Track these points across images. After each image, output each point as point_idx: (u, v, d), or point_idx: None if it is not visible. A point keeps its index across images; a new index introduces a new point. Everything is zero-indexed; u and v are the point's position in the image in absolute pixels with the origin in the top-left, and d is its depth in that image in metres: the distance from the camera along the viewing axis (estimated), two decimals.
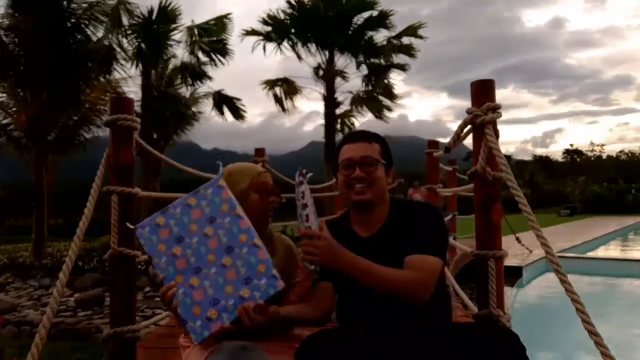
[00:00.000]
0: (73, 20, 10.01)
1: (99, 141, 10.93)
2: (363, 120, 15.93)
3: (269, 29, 14.96)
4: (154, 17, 11.43)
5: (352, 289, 1.53)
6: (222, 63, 12.69)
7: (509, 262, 7.38)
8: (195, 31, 12.21)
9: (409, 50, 14.96)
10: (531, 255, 8.22)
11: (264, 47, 15.23)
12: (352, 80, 15.69)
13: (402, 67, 15.31)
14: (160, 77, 12.56)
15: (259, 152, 5.23)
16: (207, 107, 14.20)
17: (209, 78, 12.91)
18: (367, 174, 1.64)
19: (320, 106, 15.21)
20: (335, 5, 14.28)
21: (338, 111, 15.30)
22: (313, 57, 15.14)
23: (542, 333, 4.99)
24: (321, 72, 14.82)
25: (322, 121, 15.20)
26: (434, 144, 5.38)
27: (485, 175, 1.85)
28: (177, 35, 12.14)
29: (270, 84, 15.28)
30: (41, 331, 1.52)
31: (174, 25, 11.85)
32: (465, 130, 1.93)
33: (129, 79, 11.47)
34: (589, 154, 47.87)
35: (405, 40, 15.00)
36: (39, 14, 9.28)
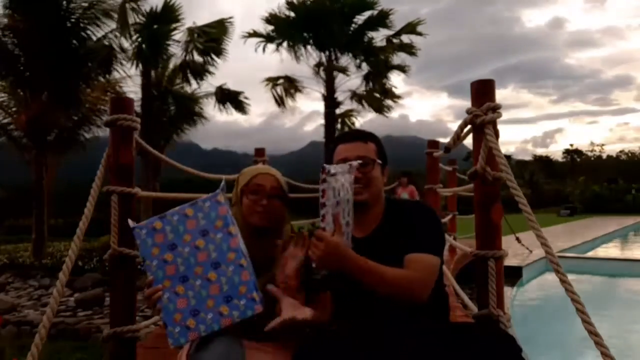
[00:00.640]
0: (73, 20, 10.01)
1: (98, 141, 10.92)
2: (364, 120, 15.97)
3: (270, 29, 14.97)
4: (158, 15, 11.44)
5: (350, 289, 1.53)
6: (217, 62, 12.67)
7: (509, 262, 7.38)
8: (195, 33, 12.20)
9: (409, 49, 14.96)
10: (531, 255, 8.22)
11: (264, 49, 15.25)
12: (352, 80, 15.70)
13: (402, 68, 15.31)
14: (160, 76, 12.54)
15: (259, 152, 5.24)
16: (207, 106, 14.21)
17: (211, 73, 12.84)
18: (364, 174, 1.63)
19: (320, 106, 15.20)
20: (335, 5, 14.29)
21: (338, 111, 15.30)
22: (313, 57, 15.16)
23: (542, 333, 4.99)
24: (323, 69, 14.81)
25: (322, 121, 15.21)
26: (434, 144, 5.38)
27: (485, 175, 1.85)
28: (177, 35, 12.16)
29: (272, 81, 15.28)
30: (41, 331, 1.52)
31: (174, 25, 11.84)
32: (465, 130, 1.94)
33: (129, 79, 11.47)
34: (589, 154, 47.89)
35: (405, 38, 15.01)
36: (38, 13, 9.28)
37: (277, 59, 15.28)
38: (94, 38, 10.35)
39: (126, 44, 10.84)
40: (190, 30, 12.13)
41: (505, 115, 1.99)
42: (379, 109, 15.35)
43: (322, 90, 15.02)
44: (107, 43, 10.57)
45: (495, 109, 1.83)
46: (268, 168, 1.79)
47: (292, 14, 14.60)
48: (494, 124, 1.83)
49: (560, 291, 1.47)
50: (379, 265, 1.49)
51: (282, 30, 14.81)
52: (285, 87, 15.23)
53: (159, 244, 1.47)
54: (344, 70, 14.73)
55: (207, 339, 1.46)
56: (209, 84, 13.58)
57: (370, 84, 15.29)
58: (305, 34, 14.73)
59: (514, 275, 7.22)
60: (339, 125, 15.46)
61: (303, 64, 15.23)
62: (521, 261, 7.82)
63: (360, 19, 14.76)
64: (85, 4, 9.97)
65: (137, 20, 11.27)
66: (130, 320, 2.03)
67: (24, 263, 8.93)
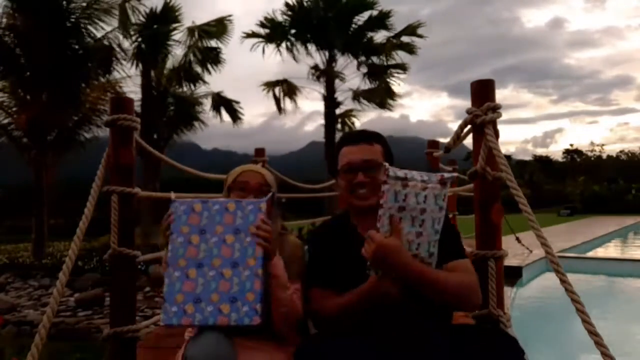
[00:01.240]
0: (73, 19, 10.01)
1: (98, 141, 10.92)
2: (364, 120, 15.94)
3: (268, 30, 14.97)
4: (157, 15, 11.45)
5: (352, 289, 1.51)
6: (215, 71, 12.69)
7: (509, 262, 7.38)
8: (196, 32, 12.20)
9: (409, 48, 14.96)
10: (531, 255, 8.22)
11: (263, 49, 15.25)
12: (353, 80, 15.71)
13: (402, 67, 15.31)
14: (158, 76, 12.55)
15: (259, 152, 5.24)
16: (207, 107, 14.22)
17: (204, 82, 12.97)
18: (370, 178, 1.57)
19: (321, 106, 15.19)
20: (335, 6, 14.29)
21: (338, 111, 15.31)
22: (313, 57, 15.17)
23: (542, 333, 4.99)
24: (318, 73, 14.82)
25: (322, 121, 15.21)
26: (434, 144, 5.37)
27: (485, 175, 1.85)
28: (177, 35, 12.17)
29: (270, 85, 15.27)
30: (41, 331, 1.52)
31: (174, 25, 11.85)
32: (465, 130, 1.94)
33: (129, 79, 11.47)
34: (589, 154, 47.87)
35: (405, 39, 15.01)
36: (39, 13, 9.28)
37: (277, 60, 15.30)
38: (94, 38, 10.36)
39: (126, 44, 10.86)
40: (190, 30, 12.14)
41: (505, 115, 1.99)
42: (381, 103, 15.32)
43: (322, 90, 15.04)
44: (107, 43, 10.57)
45: (495, 109, 1.83)
46: (254, 166, 1.80)
47: (290, 15, 14.60)
48: (494, 124, 1.83)
49: (560, 291, 1.47)
50: (439, 272, 1.46)
51: (280, 32, 14.82)
52: (285, 91, 15.23)
53: (191, 224, 1.50)
54: (338, 75, 14.74)
55: (198, 334, 1.46)
56: (208, 88, 13.62)
57: (371, 83, 15.29)
58: (304, 35, 14.73)
59: (514, 275, 7.22)
60: (339, 125, 15.47)
61: (303, 63, 15.25)
62: (521, 261, 7.82)
63: (360, 19, 14.78)
64: (84, 4, 9.98)
65: (137, 20, 11.28)
66: (130, 320, 2.02)
67: (24, 263, 8.94)
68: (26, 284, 7.61)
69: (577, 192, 29.65)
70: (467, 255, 1.69)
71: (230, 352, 1.45)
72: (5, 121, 10.12)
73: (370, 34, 14.96)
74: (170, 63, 12.58)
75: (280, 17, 14.77)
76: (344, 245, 1.58)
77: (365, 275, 1.48)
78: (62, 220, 17.98)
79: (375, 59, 15.12)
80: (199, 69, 12.50)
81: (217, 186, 1.72)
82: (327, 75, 14.80)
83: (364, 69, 15.25)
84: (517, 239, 7.66)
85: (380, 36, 15.04)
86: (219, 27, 12.48)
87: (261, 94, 15.58)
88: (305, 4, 14.53)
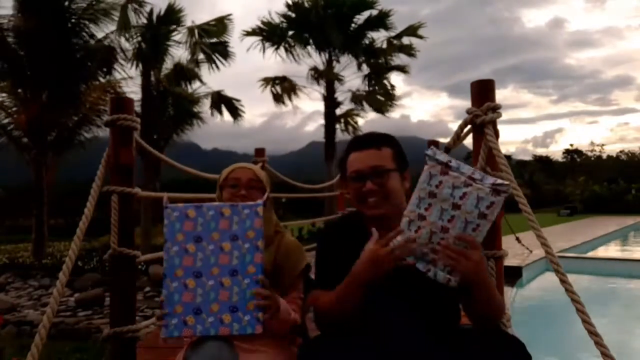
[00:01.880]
0: (74, 20, 10.02)
1: (98, 141, 10.92)
2: (368, 118, 15.88)
3: (267, 31, 14.97)
4: (160, 17, 11.47)
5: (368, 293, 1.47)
6: (224, 65, 12.70)
7: (509, 262, 7.37)
8: (196, 32, 12.20)
9: (409, 50, 14.97)
10: (531, 255, 8.21)
11: (264, 49, 15.25)
12: (353, 80, 15.71)
13: (402, 69, 15.32)
14: (157, 76, 12.55)
15: (259, 152, 5.24)
16: (207, 107, 14.22)
17: (202, 82, 12.99)
18: (380, 185, 1.50)
19: (321, 106, 15.19)
20: (334, 6, 14.28)
21: (340, 111, 15.31)
22: (312, 58, 15.17)
23: (542, 333, 4.99)
24: (317, 75, 14.82)
25: (323, 121, 15.20)
26: (433, 144, 5.38)
27: None
28: (178, 35, 12.16)
29: (268, 81, 15.27)
30: (41, 331, 1.52)
31: (175, 26, 11.85)
32: (465, 130, 1.94)
33: (129, 79, 11.47)
34: (589, 154, 47.85)
35: (405, 40, 15.01)
36: (42, 14, 9.30)
37: (278, 59, 15.30)
38: (95, 38, 10.37)
39: (126, 44, 10.85)
40: (191, 30, 12.14)
41: (505, 115, 1.99)
42: (380, 109, 15.34)
43: (322, 90, 15.04)
44: (107, 43, 10.57)
45: (495, 109, 1.83)
46: (245, 163, 1.80)
47: (289, 15, 14.60)
48: (494, 124, 1.83)
49: (560, 291, 1.48)
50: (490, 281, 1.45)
51: (279, 33, 14.82)
52: (284, 87, 15.24)
53: (186, 231, 1.46)
54: (337, 77, 14.73)
55: (199, 340, 1.46)
56: (208, 88, 13.64)
57: (370, 84, 15.29)
58: (303, 36, 14.73)
59: (514, 275, 7.22)
60: (342, 125, 15.45)
61: (303, 64, 15.26)
62: (521, 261, 7.82)
63: (360, 19, 14.77)
64: (85, 4, 9.98)
65: (139, 21, 11.30)
66: (130, 320, 2.03)
67: (24, 263, 8.94)
68: (26, 284, 7.61)
69: (577, 192, 29.64)
70: None
71: (231, 355, 1.45)
72: (6, 121, 10.12)
73: (370, 34, 14.97)
74: (170, 63, 12.59)
75: (277, 19, 14.79)
76: (354, 247, 1.51)
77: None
78: (62, 220, 17.99)
79: (375, 60, 15.12)
80: (205, 66, 12.52)
81: (216, 186, 1.72)
82: (326, 77, 14.80)
83: (364, 70, 15.26)
84: (517, 239, 7.65)
85: (380, 36, 15.05)
86: (219, 26, 12.47)
87: (261, 94, 15.59)
88: (305, 4, 14.53)
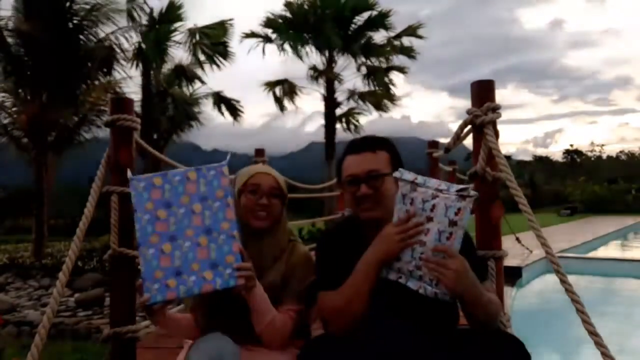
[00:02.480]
0: (75, 21, 10.03)
1: (98, 141, 10.92)
2: (370, 118, 15.92)
3: (268, 31, 14.97)
4: (162, 14, 11.50)
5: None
6: (224, 65, 12.71)
7: (509, 262, 7.36)
8: (197, 34, 12.21)
9: (408, 52, 14.97)
10: (531, 256, 8.20)
11: (264, 49, 15.25)
12: (353, 80, 15.69)
13: (401, 70, 15.32)
14: (157, 77, 12.56)
15: (259, 152, 5.24)
16: (206, 107, 14.26)
17: (202, 82, 12.99)
18: (375, 189, 1.51)
19: (321, 106, 15.19)
20: (334, 6, 14.28)
21: (341, 110, 15.30)
22: (312, 58, 15.16)
23: (542, 333, 4.99)
24: (317, 74, 14.82)
25: (323, 121, 15.19)
26: (434, 145, 5.39)
27: (485, 175, 1.85)
28: (178, 36, 12.18)
29: (271, 85, 15.28)
30: (41, 331, 1.52)
31: (176, 25, 11.86)
32: (465, 130, 1.94)
33: (129, 80, 11.48)
34: (589, 154, 47.84)
35: (405, 40, 15.01)
36: (42, 15, 9.30)
37: (278, 61, 15.28)
38: (95, 39, 10.37)
39: (126, 44, 10.86)
40: (192, 31, 12.14)
41: (505, 115, 1.99)
42: (379, 106, 15.33)
43: (322, 90, 15.04)
44: (107, 44, 10.58)
45: (495, 109, 1.83)
46: (266, 167, 1.76)
47: (289, 15, 14.59)
48: (494, 124, 1.83)
49: (560, 291, 1.48)
50: (482, 287, 1.43)
51: (280, 33, 14.82)
52: (285, 90, 15.23)
53: (155, 199, 1.46)
54: (337, 77, 14.72)
55: (201, 339, 1.46)
56: (209, 88, 13.66)
57: (370, 85, 15.29)
58: (303, 35, 14.72)
59: (513, 276, 7.21)
60: (344, 124, 15.43)
61: (303, 64, 15.24)
62: (521, 261, 7.81)
63: (360, 19, 14.77)
64: (88, 6, 10.00)
65: (139, 21, 11.32)
66: (130, 320, 2.03)
67: (24, 263, 8.93)
68: (26, 284, 7.61)
69: (577, 192, 29.61)
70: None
71: (233, 352, 1.44)
72: (6, 121, 10.13)
73: (369, 34, 14.96)
74: (171, 64, 12.61)
75: (278, 19, 14.76)
76: (354, 249, 1.52)
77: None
78: (62, 220, 17.98)
79: (374, 60, 15.12)
80: (206, 66, 12.53)
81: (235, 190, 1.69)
82: (326, 76, 14.79)
83: (364, 70, 15.25)
84: (517, 239, 7.66)
85: (380, 36, 15.05)
86: (219, 29, 12.49)
87: (261, 94, 15.60)
88: (305, 4, 14.53)
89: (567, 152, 50.26)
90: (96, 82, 10.55)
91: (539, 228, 1.57)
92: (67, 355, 4.34)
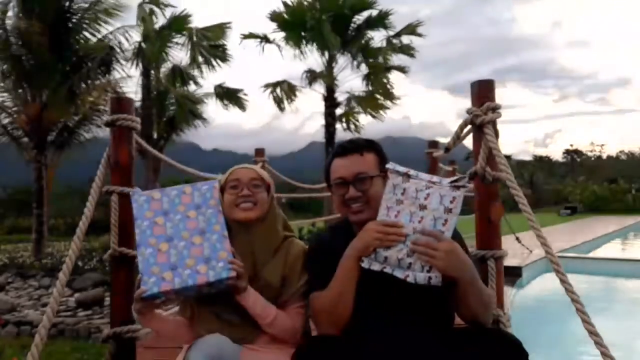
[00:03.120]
0: (74, 20, 10.03)
1: (98, 141, 10.93)
2: (364, 121, 15.89)
3: (268, 30, 14.98)
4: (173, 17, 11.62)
5: (358, 296, 1.48)
6: (221, 67, 12.72)
7: (509, 262, 7.36)
8: (194, 35, 12.21)
9: (408, 51, 14.95)
10: (531, 255, 8.21)
11: (263, 49, 15.23)
12: (353, 80, 15.69)
13: (401, 69, 15.31)
14: (157, 77, 12.57)
15: (259, 152, 5.25)
16: (207, 107, 14.24)
17: (196, 83, 13.02)
18: (363, 192, 1.53)
19: (321, 106, 15.17)
20: (333, 6, 14.26)
21: (341, 110, 15.28)
22: (312, 58, 15.16)
23: (542, 333, 4.99)
24: (313, 76, 14.82)
25: (323, 121, 15.18)
26: (433, 144, 5.39)
27: (485, 175, 1.85)
28: (178, 37, 12.18)
29: (271, 87, 15.26)
30: (41, 331, 1.52)
31: (176, 26, 11.89)
32: (466, 130, 1.94)
33: (129, 79, 11.48)
34: (589, 154, 47.87)
35: (405, 39, 14.99)
36: (43, 15, 9.30)
37: (278, 61, 15.25)
38: (95, 38, 10.38)
39: (126, 43, 10.87)
40: (190, 32, 12.14)
41: (505, 115, 1.99)
42: (377, 111, 15.32)
43: (322, 90, 15.03)
44: (107, 42, 10.58)
45: (495, 109, 1.83)
46: (246, 164, 1.77)
47: (288, 16, 14.58)
48: (494, 124, 1.83)
49: (560, 291, 1.48)
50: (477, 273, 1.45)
51: (281, 30, 14.81)
52: (285, 91, 15.21)
53: (154, 209, 1.58)
54: (335, 78, 14.72)
55: (201, 339, 1.46)
56: (209, 86, 13.67)
57: (370, 85, 15.27)
58: (302, 36, 14.71)
59: (514, 275, 7.21)
60: (344, 124, 15.41)
61: (303, 64, 15.24)
62: (521, 261, 7.81)
63: (359, 19, 14.76)
64: (86, 5, 10.00)
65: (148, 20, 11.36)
66: (130, 320, 2.02)
67: (24, 263, 8.93)
68: (26, 284, 7.61)
69: (577, 192, 29.62)
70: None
71: (233, 350, 1.44)
72: (6, 121, 10.13)
73: (369, 34, 14.95)
74: (170, 63, 12.61)
75: (275, 22, 14.74)
76: (344, 252, 1.53)
77: (364, 283, 1.46)
78: (62, 220, 18.00)
79: (374, 61, 15.10)
80: (204, 67, 12.54)
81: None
82: (324, 79, 14.78)
83: (363, 70, 15.24)
84: (517, 239, 7.66)
85: (379, 35, 15.03)
86: (217, 31, 12.50)
87: (261, 95, 15.57)
88: (303, 4, 14.52)
89: (567, 152, 50.29)
90: (96, 82, 10.55)
91: (539, 228, 1.57)
92: (67, 355, 4.34)
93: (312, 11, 14.22)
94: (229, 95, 13.70)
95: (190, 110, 12.73)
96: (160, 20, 11.90)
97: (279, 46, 15.01)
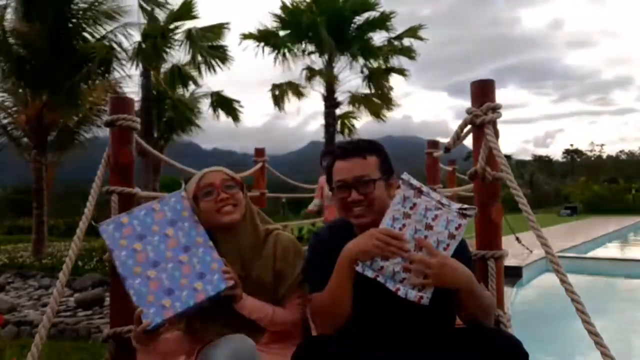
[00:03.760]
0: (74, 20, 10.03)
1: (98, 141, 10.92)
2: (364, 121, 15.87)
3: (267, 32, 14.95)
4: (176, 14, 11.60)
5: (358, 297, 1.48)
6: (221, 69, 12.71)
7: (509, 262, 7.36)
8: (193, 33, 12.20)
9: (409, 53, 14.94)
10: (531, 255, 8.20)
11: (263, 49, 15.21)
12: (353, 81, 15.67)
13: (401, 72, 15.31)
14: (157, 77, 12.55)
15: (259, 152, 5.24)
16: (206, 106, 14.23)
17: (196, 84, 13.01)
18: (365, 195, 1.51)
19: (322, 106, 15.16)
20: (331, 8, 14.25)
21: (339, 111, 15.28)
22: (312, 59, 15.14)
23: (542, 333, 4.99)
24: (312, 76, 14.82)
25: (323, 121, 15.19)
26: (433, 144, 5.38)
27: (485, 175, 1.84)
28: (177, 36, 12.17)
29: (275, 88, 15.27)
30: (41, 331, 1.52)
31: (176, 24, 11.85)
32: (465, 130, 1.93)
33: (129, 79, 11.47)
34: (589, 154, 47.91)
35: (406, 41, 14.98)
36: (43, 15, 9.30)
37: (278, 61, 15.21)
38: (94, 38, 10.37)
39: (126, 43, 10.87)
40: (189, 32, 12.13)
41: (505, 115, 1.98)
42: (377, 113, 15.33)
43: (323, 90, 15.03)
44: (107, 43, 10.58)
45: (495, 109, 1.83)
46: (213, 167, 1.72)
47: (288, 16, 14.57)
48: (494, 124, 1.83)
49: (560, 291, 1.48)
50: (475, 279, 1.46)
51: (276, 36, 14.82)
52: (286, 91, 15.21)
53: (127, 236, 1.51)
54: (336, 78, 14.71)
55: (221, 339, 1.45)
56: (208, 88, 13.65)
57: (370, 86, 15.27)
58: (302, 36, 14.70)
59: (514, 275, 7.21)
60: (338, 127, 15.43)
61: (303, 64, 15.21)
62: (521, 261, 7.81)
63: (360, 20, 14.75)
64: (86, 5, 9.99)
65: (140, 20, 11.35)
66: (130, 320, 2.02)
67: (24, 263, 8.93)
68: (26, 284, 7.60)
69: (577, 192, 29.64)
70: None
71: (252, 349, 1.42)
72: (6, 121, 10.13)
73: (370, 35, 14.94)
74: (170, 63, 12.60)
75: (274, 23, 14.76)
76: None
77: (363, 284, 1.45)
78: (62, 220, 18.01)
79: (374, 62, 15.10)
80: (203, 68, 12.53)
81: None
82: (325, 78, 14.78)
83: (364, 72, 15.23)
84: (517, 239, 7.66)
85: (380, 37, 15.02)
86: (216, 31, 12.50)
87: (261, 94, 15.57)
88: (300, 6, 14.53)
89: (567, 152, 50.32)
90: (96, 82, 10.55)
91: (539, 228, 1.57)
92: (67, 355, 4.34)
93: (308, 13, 14.22)
94: (225, 105, 13.72)
95: (185, 116, 12.74)
96: (160, 20, 11.87)
97: (279, 46, 14.99)
